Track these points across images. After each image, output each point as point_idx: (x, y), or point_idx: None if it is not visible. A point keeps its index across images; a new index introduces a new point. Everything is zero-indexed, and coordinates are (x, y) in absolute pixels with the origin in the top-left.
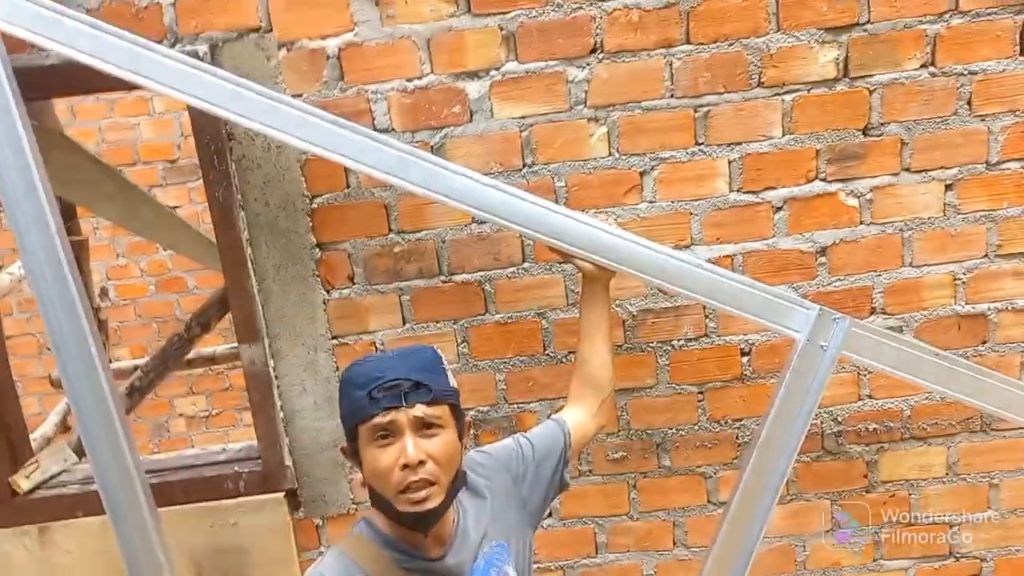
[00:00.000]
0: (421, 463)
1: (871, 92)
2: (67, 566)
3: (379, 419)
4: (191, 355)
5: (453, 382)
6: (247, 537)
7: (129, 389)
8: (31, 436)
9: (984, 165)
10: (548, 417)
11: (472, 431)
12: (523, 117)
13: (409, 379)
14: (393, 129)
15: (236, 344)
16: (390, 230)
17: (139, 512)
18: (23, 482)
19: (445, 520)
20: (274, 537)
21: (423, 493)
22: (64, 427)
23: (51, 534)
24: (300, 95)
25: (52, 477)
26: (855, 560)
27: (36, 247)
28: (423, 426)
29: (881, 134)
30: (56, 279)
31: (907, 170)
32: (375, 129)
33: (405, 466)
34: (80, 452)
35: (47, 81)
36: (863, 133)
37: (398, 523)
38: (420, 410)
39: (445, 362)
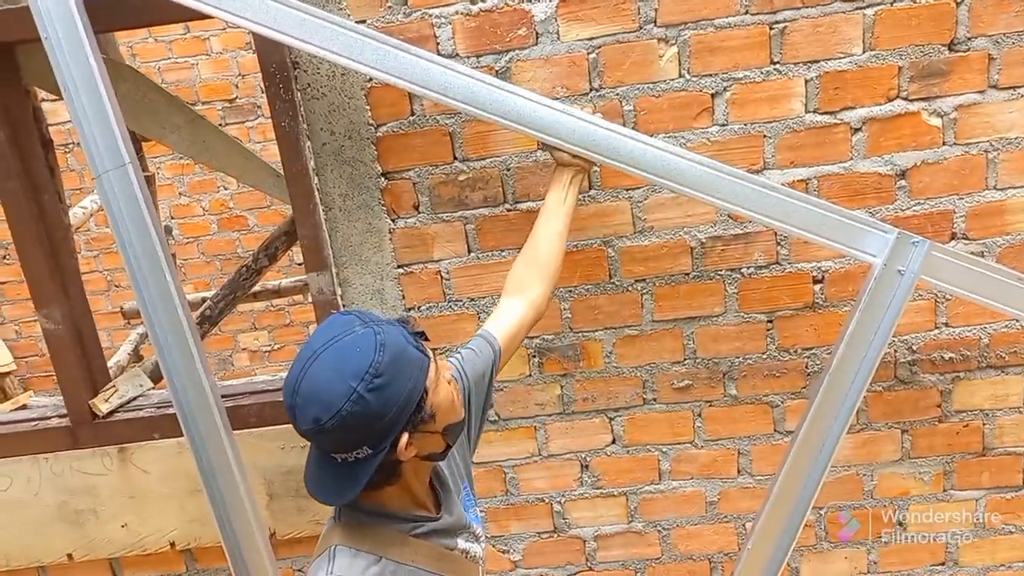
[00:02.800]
0: None
1: (958, 4)
2: (144, 484)
3: (431, 352)
4: (257, 287)
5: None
6: None
7: (200, 319)
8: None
9: None
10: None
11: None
12: (590, 38)
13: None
14: (457, 54)
15: (298, 278)
16: (455, 158)
17: (215, 432)
18: (102, 405)
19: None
20: None
21: None
22: (137, 356)
23: (129, 454)
24: (364, 21)
25: (129, 401)
26: (924, 490)
27: (112, 178)
28: None
29: (968, 49)
30: (131, 209)
31: (994, 87)
32: (439, 54)
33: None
34: (155, 378)
35: (112, 13)
36: (948, 48)
37: (454, 442)
38: None
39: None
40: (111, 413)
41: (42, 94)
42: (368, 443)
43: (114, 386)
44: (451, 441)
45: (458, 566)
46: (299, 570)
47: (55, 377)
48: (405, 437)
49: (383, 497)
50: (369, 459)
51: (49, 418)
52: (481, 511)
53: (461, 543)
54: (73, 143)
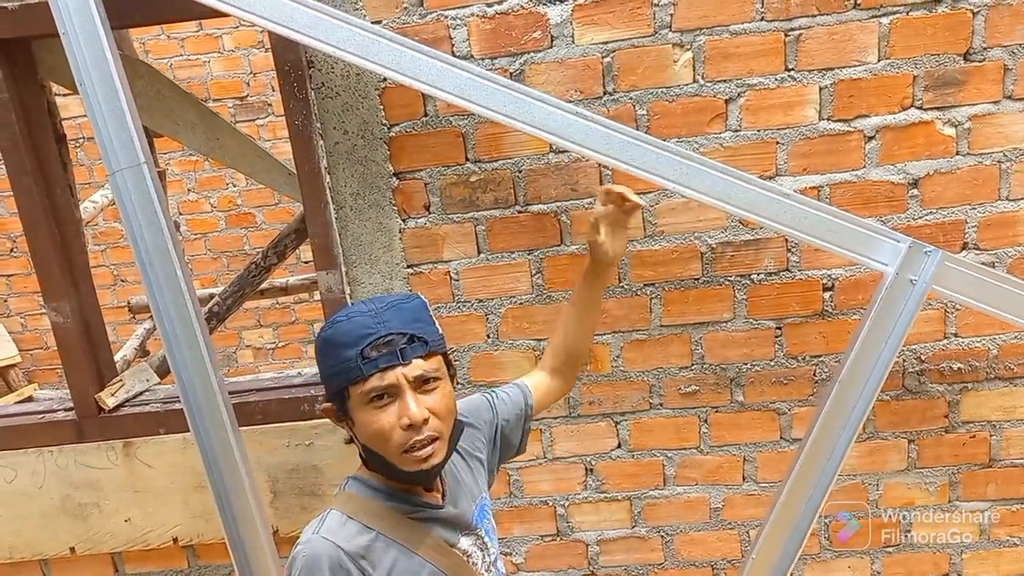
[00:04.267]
0: (424, 421)
1: (974, 14)
2: (149, 478)
3: (375, 382)
4: (264, 285)
5: (440, 329)
6: (321, 457)
7: (208, 315)
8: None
9: None
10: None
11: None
12: (605, 42)
13: (404, 332)
14: (472, 56)
15: (305, 276)
16: (467, 159)
17: (222, 429)
18: (108, 399)
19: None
20: (347, 458)
21: (428, 450)
22: (143, 351)
23: (134, 449)
24: (379, 21)
25: (136, 395)
26: (929, 500)
27: (126, 176)
28: (422, 381)
29: (983, 59)
30: (144, 207)
31: (1009, 98)
32: (454, 55)
33: (409, 426)
34: (161, 373)
35: (130, 9)
36: (964, 58)
37: (400, 481)
38: (418, 367)
39: (430, 308)
40: (117, 407)
41: (55, 88)
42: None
43: (121, 380)
44: (374, 462)
45: (453, 563)
46: None
47: (61, 370)
48: (327, 405)
49: (373, 476)
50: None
51: (55, 411)
52: (501, 544)
53: (464, 543)
54: (84, 137)
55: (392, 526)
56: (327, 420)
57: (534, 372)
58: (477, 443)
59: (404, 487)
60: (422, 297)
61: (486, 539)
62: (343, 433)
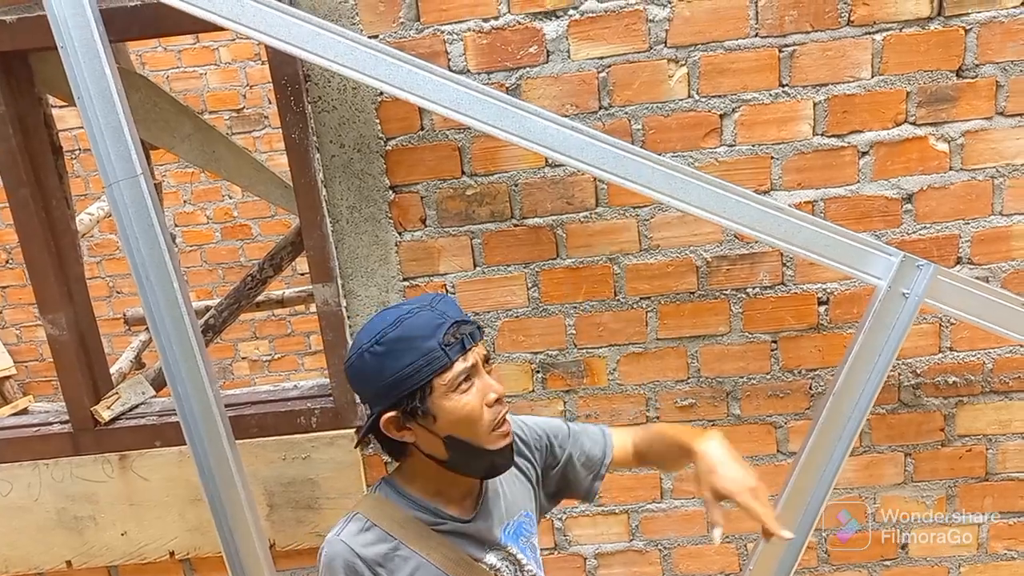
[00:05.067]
0: (503, 395)
1: (966, 31)
2: (145, 491)
3: (461, 364)
4: (260, 297)
5: None
6: (318, 470)
7: (203, 327)
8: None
9: None
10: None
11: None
12: (601, 58)
13: (465, 319)
14: (468, 70)
15: (302, 289)
16: (463, 172)
17: (218, 442)
18: (104, 412)
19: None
20: (344, 471)
21: (508, 424)
22: (139, 363)
23: (130, 462)
24: (376, 36)
25: (132, 408)
26: (927, 514)
27: (122, 188)
28: (486, 361)
29: (976, 76)
30: (141, 219)
31: (1001, 114)
32: (451, 70)
33: (496, 400)
34: (157, 385)
35: (127, 23)
36: (956, 75)
37: (481, 472)
38: (483, 347)
39: None
40: (113, 420)
41: (51, 100)
42: (365, 400)
43: (116, 393)
44: (455, 455)
45: None
46: None
47: (57, 383)
48: (392, 415)
49: (413, 480)
50: (370, 419)
51: (51, 424)
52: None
53: (492, 558)
54: (80, 149)
55: (414, 536)
56: (324, 433)
57: (625, 433)
58: (534, 460)
59: (438, 492)
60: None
61: (519, 556)
62: (340, 446)
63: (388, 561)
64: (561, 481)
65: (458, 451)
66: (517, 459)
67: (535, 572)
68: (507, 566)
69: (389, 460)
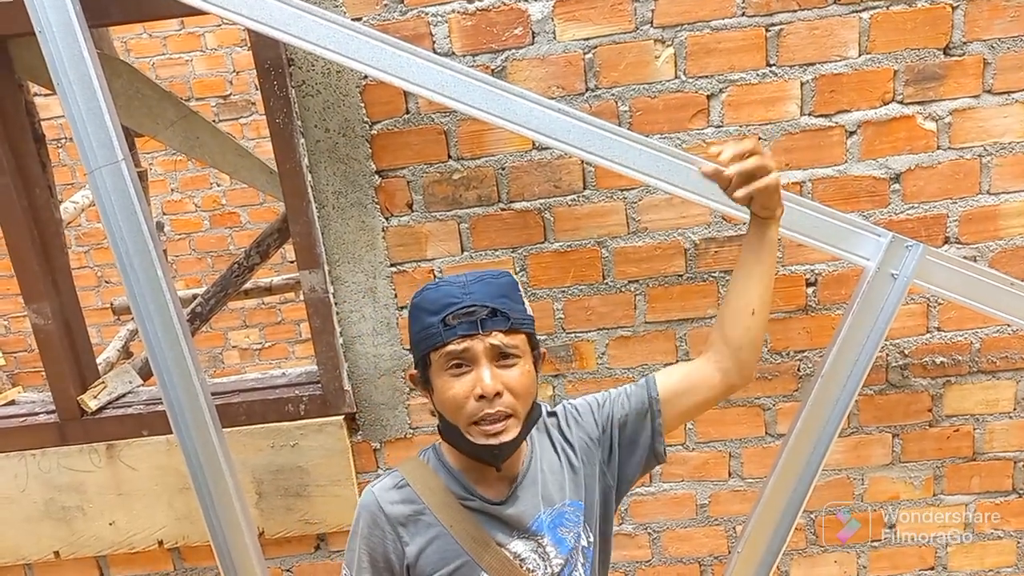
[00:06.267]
0: (498, 394)
1: (953, 8)
2: (133, 481)
3: (453, 347)
4: (248, 284)
5: (529, 310)
6: (306, 458)
7: (190, 315)
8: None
9: None
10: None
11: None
12: (587, 39)
13: (486, 305)
14: (454, 53)
15: (290, 276)
16: (449, 156)
17: (205, 430)
18: (91, 402)
19: (514, 460)
20: (333, 459)
21: (499, 426)
22: (126, 353)
23: (117, 451)
24: (360, 18)
25: (119, 397)
26: (914, 494)
27: (104, 174)
28: (500, 356)
29: (963, 54)
30: (123, 205)
31: (989, 92)
32: (435, 52)
33: (481, 396)
34: (144, 374)
35: (107, 7)
36: (944, 53)
37: (469, 456)
38: (497, 339)
39: (521, 288)
40: (100, 410)
41: (35, 88)
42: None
43: (103, 382)
44: (445, 430)
45: (497, 562)
46: (287, 570)
47: (44, 373)
48: (413, 372)
49: (450, 452)
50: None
51: (37, 414)
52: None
53: (518, 546)
54: (66, 138)
55: (441, 506)
56: (312, 420)
57: (680, 364)
58: (583, 449)
59: (473, 469)
60: (514, 277)
61: (548, 548)
62: (328, 434)
63: (410, 523)
64: (623, 453)
65: (447, 429)
66: (564, 448)
67: (563, 566)
68: (534, 557)
69: (379, 446)
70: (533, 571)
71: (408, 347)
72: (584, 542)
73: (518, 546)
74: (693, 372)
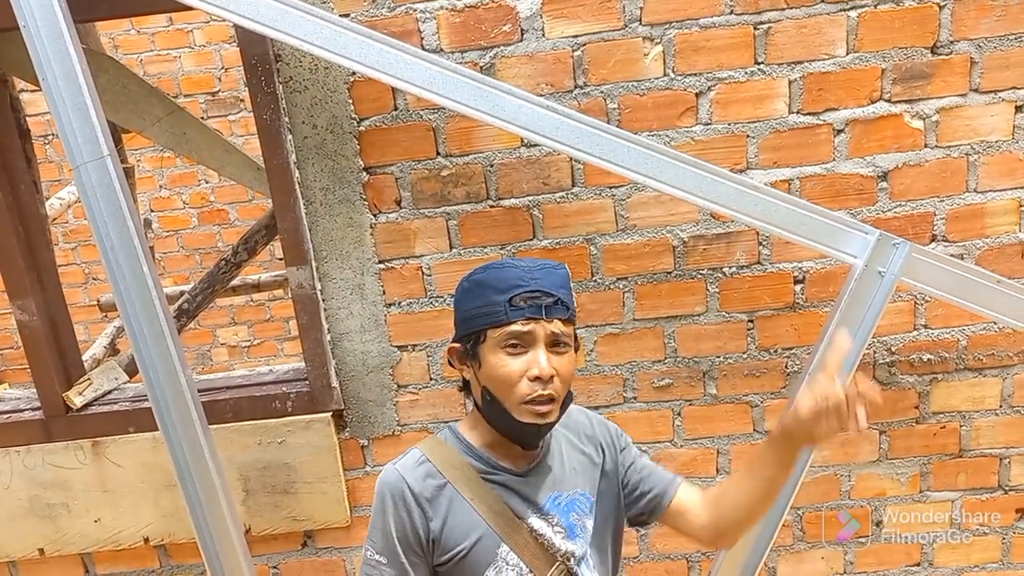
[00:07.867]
0: (550, 378)
1: (941, 7)
2: (119, 478)
3: (518, 327)
4: (236, 281)
5: (575, 302)
6: (294, 455)
7: (177, 312)
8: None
9: None
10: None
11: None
12: (575, 36)
13: (551, 293)
14: (442, 49)
15: (278, 273)
16: (438, 153)
17: (191, 427)
18: (76, 398)
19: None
20: (320, 455)
21: (547, 407)
22: (113, 350)
23: (103, 448)
24: (348, 14)
25: (104, 394)
26: (901, 491)
27: (89, 170)
28: (555, 343)
29: (950, 52)
30: (109, 201)
31: (976, 90)
32: (424, 49)
33: (536, 378)
34: (130, 371)
35: (94, 2)
36: (931, 51)
37: (505, 433)
38: (557, 326)
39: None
40: (85, 406)
41: (21, 84)
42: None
43: (88, 379)
44: (487, 407)
45: (515, 532)
46: (274, 567)
47: (29, 369)
48: (456, 346)
49: (474, 428)
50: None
51: (22, 411)
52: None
53: (536, 521)
54: (52, 134)
55: (464, 480)
56: (300, 417)
57: (698, 493)
58: (601, 452)
59: (494, 445)
60: (568, 270)
61: (560, 523)
62: (316, 431)
63: (435, 498)
64: (629, 492)
65: (490, 405)
66: (584, 442)
67: (570, 550)
68: (548, 531)
69: (366, 443)
70: (548, 542)
71: (409, 340)
72: (592, 533)
73: (535, 522)
74: (697, 509)
